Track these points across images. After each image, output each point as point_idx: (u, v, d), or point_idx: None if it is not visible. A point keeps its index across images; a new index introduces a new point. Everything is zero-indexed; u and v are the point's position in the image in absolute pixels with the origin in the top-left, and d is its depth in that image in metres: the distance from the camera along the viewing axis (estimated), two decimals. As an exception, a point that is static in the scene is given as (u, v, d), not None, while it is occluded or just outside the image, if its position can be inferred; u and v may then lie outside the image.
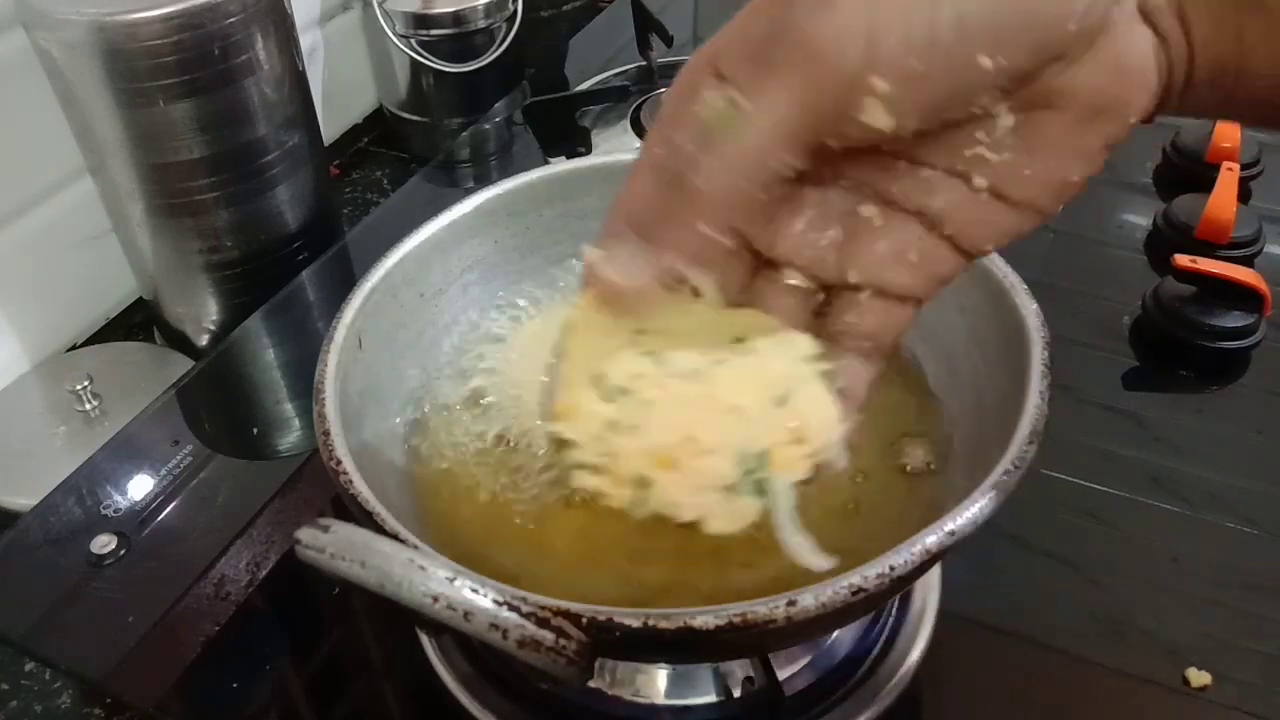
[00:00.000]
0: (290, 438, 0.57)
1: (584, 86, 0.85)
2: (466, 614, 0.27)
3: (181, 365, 0.65)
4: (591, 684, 0.43)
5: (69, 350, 0.70)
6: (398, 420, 0.43)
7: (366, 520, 0.33)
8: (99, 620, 0.46)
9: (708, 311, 0.30)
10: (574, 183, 0.50)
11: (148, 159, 0.59)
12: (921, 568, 0.31)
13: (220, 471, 0.54)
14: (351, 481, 0.34)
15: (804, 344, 0.30)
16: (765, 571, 0.35)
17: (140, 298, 0.72)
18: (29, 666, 0.49)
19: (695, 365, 0.30)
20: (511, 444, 0.43)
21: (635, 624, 0.29)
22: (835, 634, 0.44)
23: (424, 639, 0.45)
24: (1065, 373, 0.38)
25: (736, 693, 0.43)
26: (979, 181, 0.27)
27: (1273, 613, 0.47)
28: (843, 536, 0.33)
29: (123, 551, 0.49)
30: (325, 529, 0.28)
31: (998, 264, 0.42)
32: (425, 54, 0.81)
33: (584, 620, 0.29)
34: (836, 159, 0.27)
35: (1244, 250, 0.65)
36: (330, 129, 0.87)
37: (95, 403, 0.61)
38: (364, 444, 0.38)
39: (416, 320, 0.46)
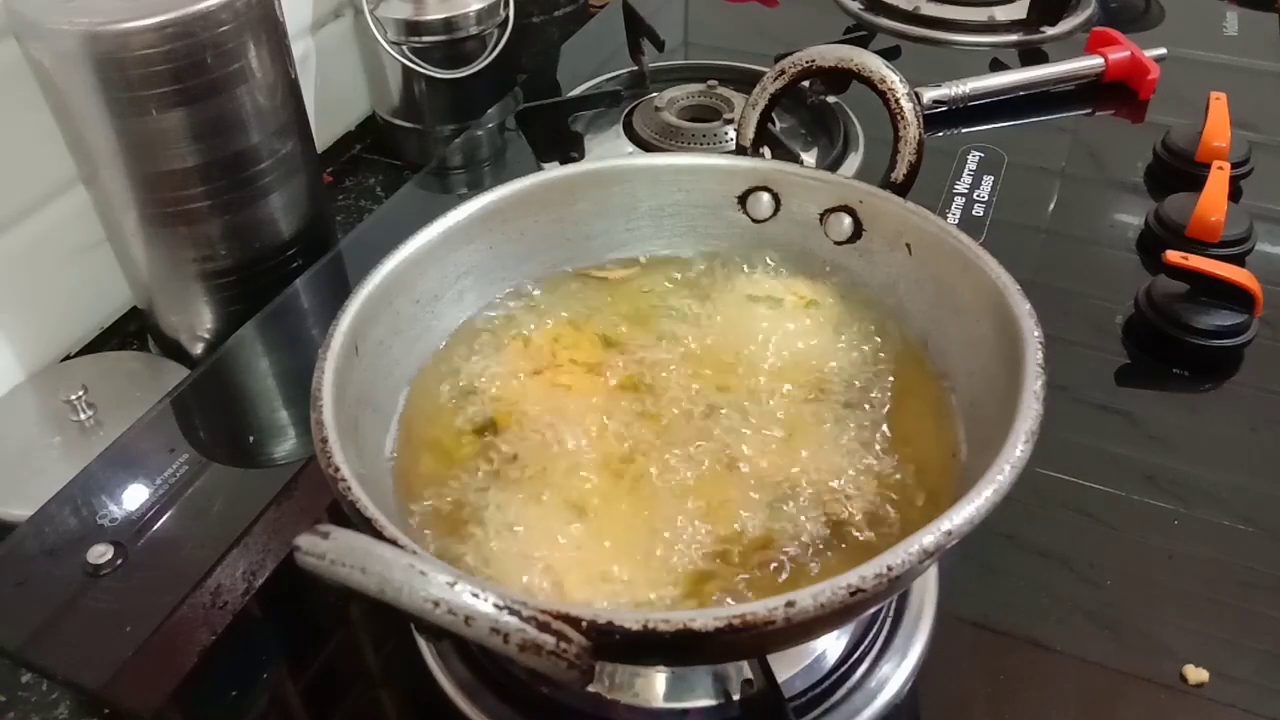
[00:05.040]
0: (286, 445, 0.57)
1: (576, 92, 0.85)
2: (467, 619, 0.27)
3: (176, 374, 0.65)
4: (590, 688, 0.43)
5: (63, 360, 0.69)
6: (394, 426, 0.43)
7: (365, 526, 0.33)
8: (96, 630, 0.46)
9: None
10: (568, 188, 0.50)
11: (141, 168, 0.59)
12: (918, 567, 0.31)
13: (216, 480, 0.54)
14: (350, 488, 0.34)
15: None
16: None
17: (134, 307, 0.72)
18: (26, 678, 0.49)
19: None
20: (507, 448, 0.43)
21: (635, 627, 0.29)
22: (834, 635, 0.45)
23: (422, 645, 0.45)
24: (1059, 371, 0.38)
25: (735, 695, 0.43)
26: None
27: (1269, 609, 0.47)
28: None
29: (119, 561, 0.49)
30: (325, 535, 0.27)
31: (990, 264, 0.42)
32: (417, 61, 0.81)
33: (584, 623, 0.29)
34: None
35: (1235, 249, 0.65)
36: (323, 136, 0.87)
37: (90, 412, 0.61)
38: (361, 450, 0.38)
39: (412, 327, 0.46)
